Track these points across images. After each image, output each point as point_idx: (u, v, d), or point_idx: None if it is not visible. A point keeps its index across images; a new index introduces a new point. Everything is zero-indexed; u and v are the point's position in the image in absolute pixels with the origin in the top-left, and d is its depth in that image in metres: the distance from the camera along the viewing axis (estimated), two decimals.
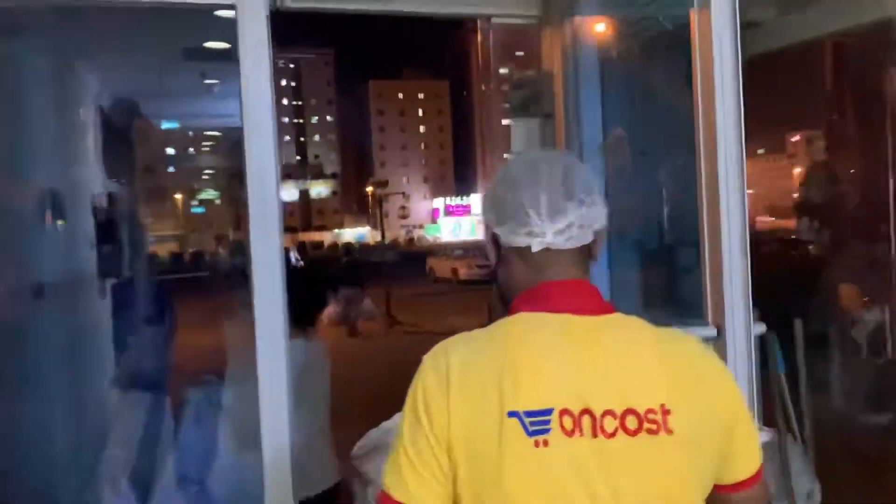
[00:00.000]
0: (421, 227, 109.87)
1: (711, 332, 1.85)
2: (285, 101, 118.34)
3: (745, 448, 1.20)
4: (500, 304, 1.28)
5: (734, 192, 1.78)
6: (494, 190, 1.27)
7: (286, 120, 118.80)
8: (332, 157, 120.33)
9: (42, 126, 3.88)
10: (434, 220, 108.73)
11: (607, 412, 1.09)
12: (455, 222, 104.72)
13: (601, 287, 1.24)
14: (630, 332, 1.18)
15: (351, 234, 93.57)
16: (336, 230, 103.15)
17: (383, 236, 22.55)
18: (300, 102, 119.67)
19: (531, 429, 1.07)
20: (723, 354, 1.82)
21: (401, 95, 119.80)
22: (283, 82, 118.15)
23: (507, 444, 1.07)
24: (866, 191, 3.26)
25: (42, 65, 3.75)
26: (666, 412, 1.10)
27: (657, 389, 1.11)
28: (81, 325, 4.22)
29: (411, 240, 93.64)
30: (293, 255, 28.99)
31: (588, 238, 1.25)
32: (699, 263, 3.22)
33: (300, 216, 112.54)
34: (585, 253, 1.26)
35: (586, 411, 1.09)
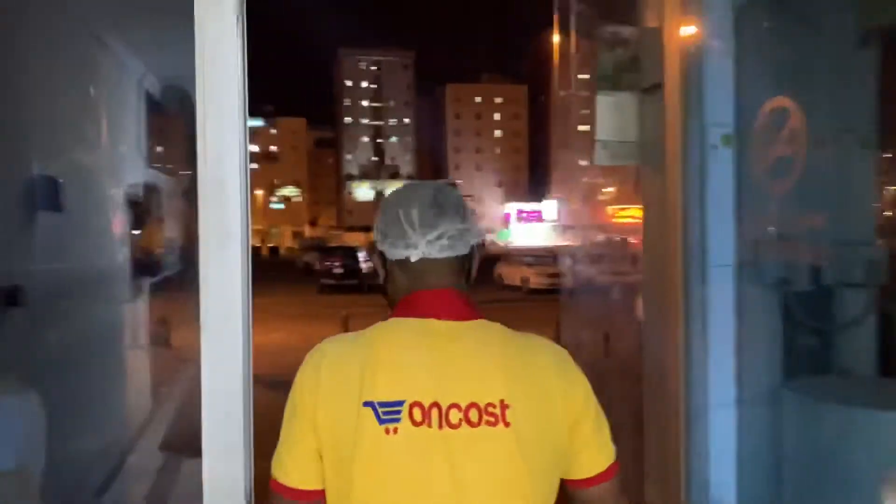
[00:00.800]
0: (493, 231, 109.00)
1: None
2: (365, 103, 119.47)
3: (588, 447, 1.30)
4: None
5: None
6: (380, 213, 1.41)
7: (365, 121, 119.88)
8: (408, 159, 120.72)
9: (49, 105, 3.25)
10: (506, 225, 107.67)
11: (453, 405, 1.23)
12: (528, 228, 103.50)
13: (723, 343, 1.40)
14: (482, 336, 1.31)
15: None
16: None
17: None
18: (379, 104, 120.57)
19: (383, 417, 1.21)
20: None
21: (478, 99, 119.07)
22: (364, 84, 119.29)
23: (362, 430, 1.21)
24: None
25: (53, 34, 3.11)
26: (504, 406, 1.23)
27: (498, 386, 1.24)
28: (88, 335, 3.60)
29: (482, 244, 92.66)
30: (362, 255, 28.52)
31: (462, 249, 1.37)
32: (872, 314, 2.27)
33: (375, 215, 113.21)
34: (461, 264, 1.38)
35: (435, 404, 1.22)
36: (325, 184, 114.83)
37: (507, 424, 1.22)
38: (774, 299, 1.97)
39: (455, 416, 1.22)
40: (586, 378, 1.34)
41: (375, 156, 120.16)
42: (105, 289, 3.96)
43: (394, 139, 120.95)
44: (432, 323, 1.31)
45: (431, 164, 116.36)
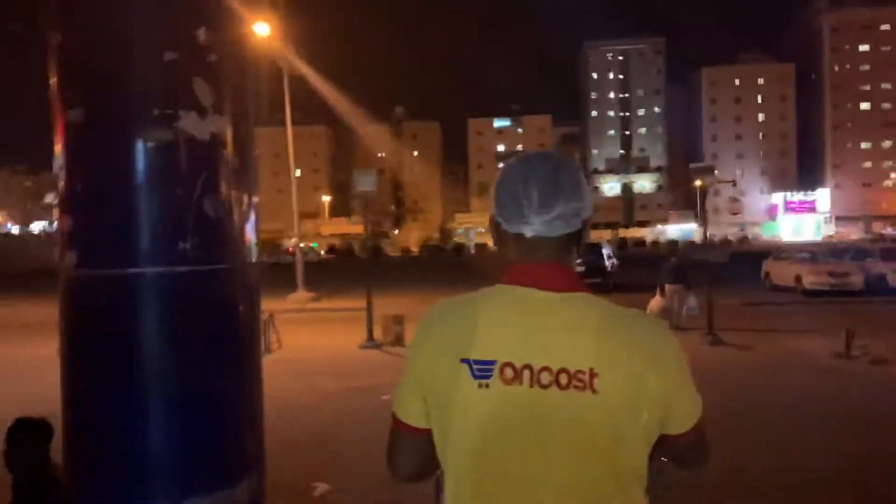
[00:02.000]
0: (757, 224, 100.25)
1: None
2: (612, 95, 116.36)
3: (680, 413, 1.41)
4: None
5: None
6: (498, 184, 1.48)
7: (612, 114, 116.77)
8: (659, 150, 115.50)
9: None
10: (772, 218, 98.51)
11: (545, 368, 1.34)
12: (797, 220, 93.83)
13: None
14: (579, 309, 1.39)
15: (675, 230, 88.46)
16: (659, 226, 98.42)
17: (706, 233, 19.38)
18: (626, 95, 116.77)
19: (476, 373, 1.36)
20: None
21: (737, 81, 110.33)
22: (611, 75, 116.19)
23: (457, 384, 1.37)
24: None
25: None
26: (593, 375, 1.32)
27: (588, 356, 1.33)
28: None
29: (745, 238, 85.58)
30: (606, 252, 26.81)
31: (574, 226, 1.45)
32: None
33: (622, 212, 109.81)
34: (571, 239, 1.46)
35: (527, 366, 1.35)
36: None
37: (594, 391, 1.32)
38: None
39: (546, 378, 1.34)
40: (681, 350, 1.41)
41: (623, 148, 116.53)
42: None
43: (643, 130, 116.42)
44: (534, 293, 1.40)
45: (685, 154, 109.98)
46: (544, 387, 1.33)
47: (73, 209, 2.19)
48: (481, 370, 1.35)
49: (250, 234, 2.48)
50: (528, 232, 1.42)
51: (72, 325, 2.20)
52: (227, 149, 2.32)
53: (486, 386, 1.34)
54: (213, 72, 2.22)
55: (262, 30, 22.77)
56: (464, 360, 1.36)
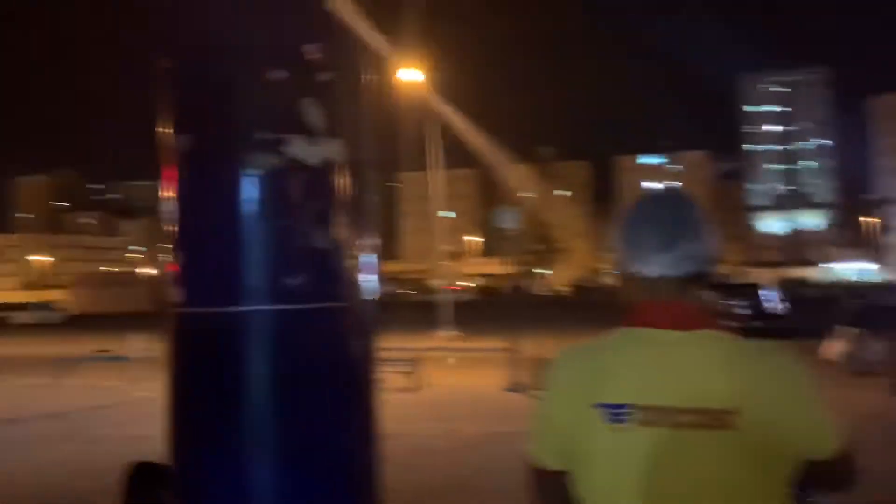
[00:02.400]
0: None
1: None
2: (772, 128, 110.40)
3: (819, 440, 1.38)
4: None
5: None
6: (620, 226, 1.48)
7: (773, 147, 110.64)
8: (823, 185, 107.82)
9: None
10: None
11: (682, 409, 1.32)
12: None
13: None
14: (709, 347, 1.38)
15: (845, 269, 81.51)
16: (826, 265, 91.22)
17: (887, 273, 17.57)
18: (789, 127, 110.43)
19: (611, 418, 1.35)
20: None
21: None
22: (771, 107, 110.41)
23: (592, 430, 1.36)
24: None
25: None
26: (730, 412, 1.30)
27: (724, 394, 1.32)
28: None
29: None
30: (775, 294, 24.30)
31: (695, 267, 1.43)
32: None
33: (786, 250, 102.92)
34: (695, 278, 1.43)
35: (663, 408, 1.33)
36: (730, 217, 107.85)
37: (732, 429, 1.30)
38: None
39: (684, 418, 1.32)
40: (812, 377, 1.39)
41: (785, 184, 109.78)
42: None
43: (806, 164, 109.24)
44: (658, 332, 1.39)
45: (854, 189, 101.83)
46: (683, 427, 1.32)
47: (182, 244, 2.08)
48: (615, 414, 1.35)
49: (369, 268, 2.28)
50: (650, 273, 1.42)
51: (176, 366, 2.08)
52: (341, 177, 2.13)
53: (622, 430, 1.34)
54: (325, 92, 2.05)
55: (413, 76, 23.47)
56: (596, 406, 1.36)
